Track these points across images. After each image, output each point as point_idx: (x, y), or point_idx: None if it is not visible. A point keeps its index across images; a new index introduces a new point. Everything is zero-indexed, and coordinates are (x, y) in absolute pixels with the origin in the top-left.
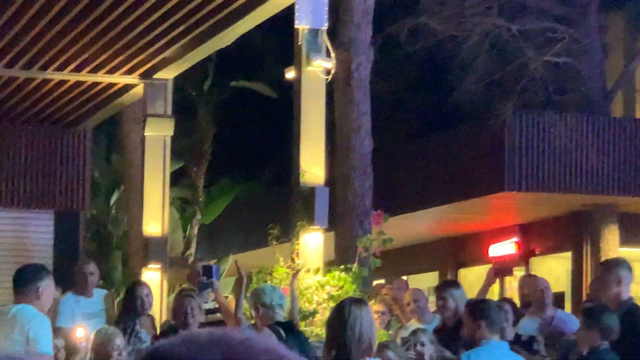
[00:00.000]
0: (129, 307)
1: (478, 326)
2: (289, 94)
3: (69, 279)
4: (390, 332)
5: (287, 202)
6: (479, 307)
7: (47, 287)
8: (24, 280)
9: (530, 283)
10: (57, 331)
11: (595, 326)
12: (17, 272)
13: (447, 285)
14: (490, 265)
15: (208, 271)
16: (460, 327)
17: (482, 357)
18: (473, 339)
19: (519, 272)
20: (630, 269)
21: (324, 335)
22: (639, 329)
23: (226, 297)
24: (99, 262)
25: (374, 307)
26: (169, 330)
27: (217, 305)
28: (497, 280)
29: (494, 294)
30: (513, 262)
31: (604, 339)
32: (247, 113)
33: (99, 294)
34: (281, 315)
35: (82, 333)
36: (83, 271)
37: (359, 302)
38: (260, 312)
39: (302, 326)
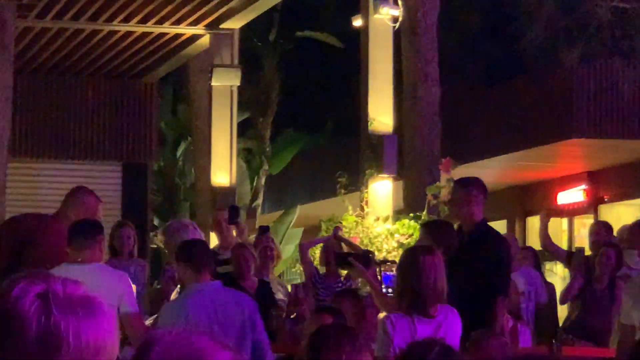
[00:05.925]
0: None
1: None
2: (354, 44)
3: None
4: None
5: (352, 152)
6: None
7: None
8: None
9: None
10: None
11: None
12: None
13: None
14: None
15: (235, 212)
16: None
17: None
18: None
19: (588, 220)
20: None
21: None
22: None
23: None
24: (167, 214)
25: None
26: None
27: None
28: (567, 228)
29: (562, 241)
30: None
31: None
32: (313, 63)
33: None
34: None
35: None
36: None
37: (430, 250)
38: None
39: None
